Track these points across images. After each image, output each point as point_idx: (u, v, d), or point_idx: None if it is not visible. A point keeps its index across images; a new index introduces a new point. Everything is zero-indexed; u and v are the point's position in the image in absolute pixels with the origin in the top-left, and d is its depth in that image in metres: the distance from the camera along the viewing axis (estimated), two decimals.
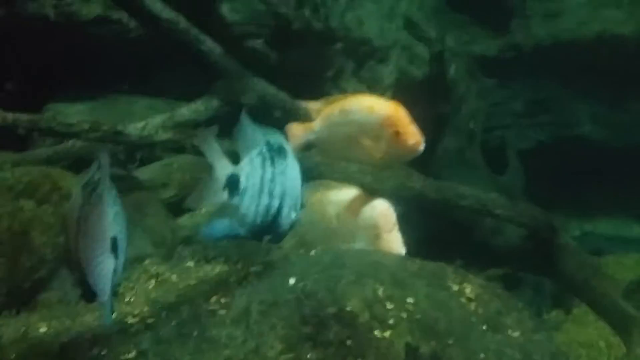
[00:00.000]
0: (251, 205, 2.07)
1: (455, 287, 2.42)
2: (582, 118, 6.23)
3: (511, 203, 3.38)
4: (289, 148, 2.23)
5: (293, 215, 2.19)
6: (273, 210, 2.11)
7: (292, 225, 2.24)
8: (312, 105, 2.93)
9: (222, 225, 2.08)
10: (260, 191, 2.09)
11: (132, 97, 4.36)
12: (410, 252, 2.84)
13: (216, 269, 2.52)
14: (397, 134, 2.58)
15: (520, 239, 3.93)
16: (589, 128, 6.22)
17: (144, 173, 3.35)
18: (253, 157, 2.10)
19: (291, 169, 2.18)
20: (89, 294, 1.69)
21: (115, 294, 1.93)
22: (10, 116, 2.64)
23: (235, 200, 2.06)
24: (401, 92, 5.90)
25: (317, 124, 2.85)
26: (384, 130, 2.60)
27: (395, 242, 2.84)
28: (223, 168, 2.06)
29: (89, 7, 4.12)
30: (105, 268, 1.64)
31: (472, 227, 4.15)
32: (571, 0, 6.21)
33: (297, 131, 2.85)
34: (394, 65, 5.88)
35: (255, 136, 2.13)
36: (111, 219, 1.75)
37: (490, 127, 6.06)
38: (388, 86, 5.80)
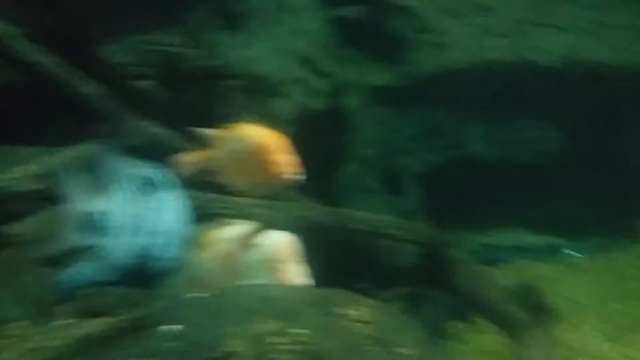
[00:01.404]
0: (118, 246, 1.98)
1: (349, 311, 2.44)
2: (473, 140, 6.60)
3: (404, 223, 3.52)
4: (164, 182, 2.16)
5: (171, 254, 2.11)
6: (142, 250, 2.03)
7: (172, 266, 2.16)
8: (208, 133, 2.94)
9: (85, 271, 1.96)
10: (128, 230, 1.99)
11: (12, 147, 4.12)
12: (317, 283, 2.86)
13: (92, 324, 2.40)
14: (272, 162, 2.64)
15: (415, 257, 4.07)
16: (480, 149, 6.60)
17: (14, 228, 3.11)
18: (118, 193, 2.03)
19: (166, 205, 2.10)
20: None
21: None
22: None
23: (99, 241, 1.95)
24: (302, 125, 6.03)
25: (209, 153, 2.86)
26: (262, 158, 2.66)
27: (298, 275, 2.85)
28: (83, 206, 1.95)
29: None
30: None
31: (371, 250, 4.26)
32: (457, 31, 6.63)
33: (189, 159, 2.84)
34: (293, 100, 6.00)
35: (120, 171, 2.04)
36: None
37: (388, 153, 6.29)
38: (288, 120, 5.90)
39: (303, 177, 2.78)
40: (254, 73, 5.27)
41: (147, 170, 2.10)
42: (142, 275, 2.06)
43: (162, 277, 2.09)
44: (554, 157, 6.69)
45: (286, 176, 2.79)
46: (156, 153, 3.33)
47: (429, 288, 4.31)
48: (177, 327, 2.07)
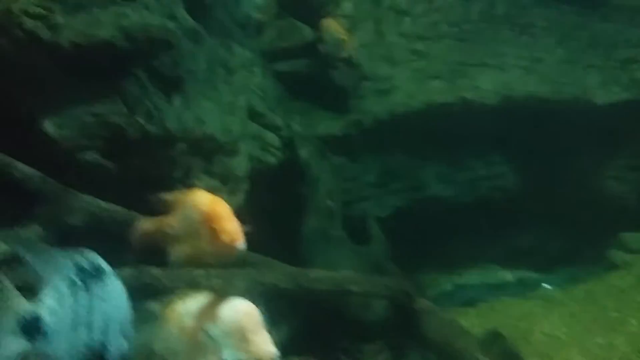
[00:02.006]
0: (64, 348, 1.69)
1: None
2: (429, 180, 6.65)
3: (364, 277, 3.41)
4: (107, 267, 1.94)
5: (123, 345, 1.89)
6: (96, 346, 1.76)
7: (126, 355, 1.93)
8: (162, 199, 2.81)
9: None
10: (75, 327, 1.72)
11: None
12: (285, 349, 2.70)
13: None
14: (214, 230, 2.53)
15: (386, 310, 3.95)
16: (437, 188, 6.64)
17: None
18: (59, 287, 1.72)
19: (113, 291, 1.88)
20: None
21: None
22: None
23: (40, 346, 1.65)
24: (257, 180, 5.93)
25: (162, 221, 2.75)
26: (203, 226, 2.55)
27: (264, 344, 2.69)
28: (15, 308, 1.64)
29: None
30: None
31: (342, 307, 4.12)
32: (398, 77, 6.78)
33: (144, 228, 2.71)
34: (245, 156, 5.90)
35: (56, 260, 1.76)
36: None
37: (348, 201, 6.25)
38: (242, 177, 5.78)
39: (244, 245, 2.70)
40: (201, 134, 5.17)
41: (89, 255, 1.87)
42: None
43: None
44: (509, 191, 6.80)
45: (229, 245, 2.73)
46: (102, 231, 3.15)
47: (403, 341, 4.17)
48: None
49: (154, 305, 2.86)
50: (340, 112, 6.58)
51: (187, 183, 5.20)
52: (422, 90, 6.64)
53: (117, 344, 1.84)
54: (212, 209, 2.81)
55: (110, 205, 3.25)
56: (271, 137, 6.36)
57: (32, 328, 1.64)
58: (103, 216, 3.13)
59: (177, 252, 2.86)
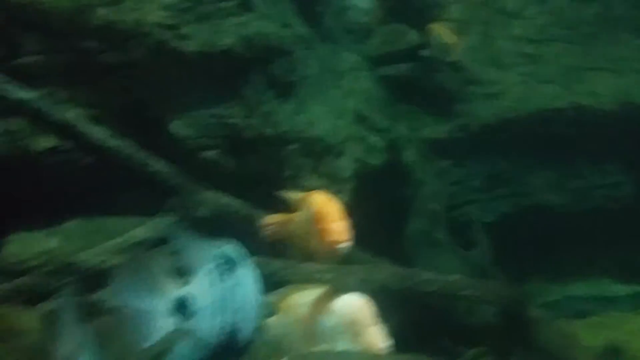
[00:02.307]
0: (205, 327, 1.95)
1: None
2: (539, 187, 6.42)
3: (476, 282, 3.39)
4: (240, 258, 2.16)
5: (252, 327, 2.09)
6: (229, 328, 2.00)
7: (254, 339, 2.14)
8: (292, 196, 3.03)
9: (178, 356, 1.92)
10: (214, 310, 1.98)
11: (90, 220, 4.34)
12: (396, 345, 2.79)
13: None
14: (321, 230, 2.66)
15: (495, 317, 3.89)
16: (547, 195, 6.40)
17: (103, 297, 3.24)
18: (202, 274, 2.00)
19: (245, 279, 2.09)
20: None
21: None
22: None
23: (188, 324, 1.93)
24: (361, 182, 6.06)
25: (286, 217, 2.96)
26: (313, 225, 2.69)
27: (378, 337, 2.79)
28: (170, 291, 1.94)
29: (39, 139, 4.19)
30: None
31: (447, 311, 4.12)
32: (507, 81, 6.62)
33: (270, 222, 2.92)
34: (351, 158, 6.06)
35: (201, 252, 2.03)
36: (72, 344, 1.71)
37: (453, 205, 6.20)
38: (348, 178, 5.94)
39: (350, 244, 2.82)
40: (312, 136, 5.39)
41: (226, 247, 2.11)
42: (230, 351, 2.03)
43: (248, 349, 2.07)
44: (625, 202, 6.41)
45: (334, 245, 2.86)
46: (227, 223, 3.41)
47: (510, 348, 4.10)
48: None
49: (271, 296, 3.07)
50: (446, 116, 6.54)
51: (297, 182, 5.45)
52: (533, 94, 6.43)
53: (248, 327, 2.03)
54: (322, 209, 2.96)
55: (233, 200, 3.50)
56: (375, 140, 6.46)
57: (182, 309, 1.88)
58: (227, 210, 3.38)
59: (295, 248, 3.05)
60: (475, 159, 6.50)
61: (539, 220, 6.26)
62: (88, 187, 4.21)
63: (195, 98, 4.60)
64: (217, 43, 4.43)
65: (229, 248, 2.08)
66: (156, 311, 1.87)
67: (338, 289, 3.01)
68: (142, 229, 3.15)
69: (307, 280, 2.96)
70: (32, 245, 3.87)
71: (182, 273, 1.98)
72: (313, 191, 3.08)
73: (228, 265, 2.03)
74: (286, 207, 3.00)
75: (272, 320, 3.02)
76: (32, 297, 2.85)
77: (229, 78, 4.64)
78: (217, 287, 1.98)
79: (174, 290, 1.94)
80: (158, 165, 3.26)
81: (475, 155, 6.48)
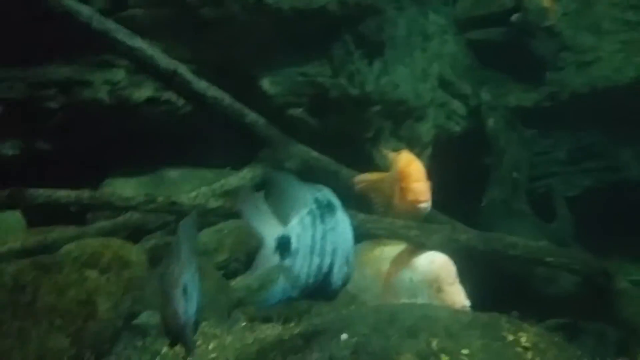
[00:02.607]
0: (303, 266, 2.02)
1: (511, 337, 2.39)
2: (628, 162, 6.12)
3: (562, 250, 3.33)
4: (337, 203, 2.18)
5: (345, 270, 2.13)
6: (325, 268, 2.06)
7: (345, 281, 2.17)
8: (384, 155, 3.14)
9: (277, 290, 2.03)
10: (312, 250, 2.04)
11: (182, 170, 4.60)
12: (474, 304, 2.84)
13: (270, 329, 2.58)
14: (403, 189, 2.71)
15: (575, 287, 3.83)
16: (636, 171, 6.09)
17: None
18: (303, 216, 2.06)
19: (341, 224, 2.12)
20: (171, 337, 1.86)
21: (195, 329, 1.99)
22: (73, 194, 2.85)
23: (288, 262, 2.01)
24: (441, 147, 6.01)
25: (377, 175, 3.06)
26: (396, 184, 2.76)
27: (458, 295, 2.85)
28: (273, 230, 2.03)
29: (140, 90, 4.45)
30: (179, 309, 1.79)
31: (525, 278, 4.08)
32: (602, 49, 6.27)
33: (363, 179, 3.04)
34: (432, 122, 6.01)
35: (302, 194, 2.10)
36: (184, 271, 1.89)
37: (535, 176, 6.04)
38: (427, 143, 5.91)
39: (429, 205, 2.87)
40: (395, 98, 5.38)
41: (324, 191, 2.19)
42: (323, 292, 2.13)
43: (338, 293, 2.17)
44: None
45: (414, 204, 2.93)
46: (314, 177, 3.52)
47: (591, 320, 4.02)
48: (347, 337, 2.17)
49: (357, 247, 3.18)
50: (535, 84, 6.31)
51: (376, 144, 5.50)
52: (631, 64, 6.06)
53: (341, 269, 2.11)
54: (405, 169, 3.03)
55: (321, 155, 3.60)
56: (458, 106, 6.36)
57: (283, 247, 2.00)
58: (316, 164, 3.48)
59: (380, 205, 3.13)
60: (562, 129, 6.27)
61: (626, 196, 5.98)
62: (183, 137, 4.45)
63: (286, 56, 4.70)
64: (313, 1, 4.47)
65: (327, 193, 2.11)
66: (261, 247, 2.00)
67: (420, 246, 3.07)
68: (236, 177, 3.31)
69: (392, 236, 3.04)
70: (132, 187, 4.16)
71: (285, 213, 2.07)
72: (400, 151, 3.14)
73: (328, 208, 2.07)
74: (368, 167, 3.08)
75: (356, 270, 3.15)
76: (135, 233, 3.10)
77: (319, 37, 4.70)
78: (316, 228, 2.02)
79: (277, 229, 2.02)
80: (253, 117, 3.40)
81: (562, 125, 6.24)
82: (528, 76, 6.37)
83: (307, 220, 2.06)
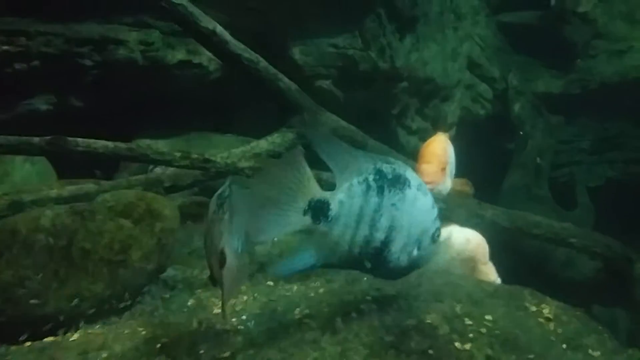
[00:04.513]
0: (345, 234, 1.89)
1: (533, 308, 2.44)
2: None
3: (586, 232, 3.34)
4: (413, 181, 1.99)
5: (413, 252, 1.96)
6: (375, 243, 1.91)
7: (414, 265, 2.01)
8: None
9: (298, 260, 1.88)
10: (358, 220, 1.90)
11: (209, 134, 4.66)
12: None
13: (295, 287, 2.64)
14: (417, 169, 2.75)
15: (593, 272, 3.84)
16: None
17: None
18: (354, 184, 1.91)
19: (412, 203, 1.94)
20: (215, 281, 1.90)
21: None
22: (111, 144, 2.92)
23: (322, 226, 1.87)
24: (464, 129, 6.01)
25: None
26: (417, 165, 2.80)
27: (491, 274, 2.90)
28: (307, 192, 1.89)
29: (173, 52, 4.49)
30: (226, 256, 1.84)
31: (543, 259, 4.10)
32: (637, 39, 6.19)
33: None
34: (458, 104, 6.00)
35: (360, 163, 1.94)
36: (228, 225, 1.90)
37: (557, 164, 6.02)
38: (451, 124, 5.91)
39: (439, 188, 2.89)
40: (423, 76, 5.38)
41: (396, 165, 1.95)
42: (378, 269, 1.92)
43: (402, 274, 1.96)
44: None
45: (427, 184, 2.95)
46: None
47: (606, 306, 4.04)
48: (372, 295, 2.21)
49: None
50: (564, 70, 6.26)
51: (401, 121, 5.51)
52: None
53: (406, 249, 1.94)
54: (421, 150, 3.08)
55: (350, 125, 3.62)
56: (484, 89, 6.33)
57: (318, 211, 1.88)
58: (344, 134, 3.51)
59: None
60: (588, 118, 6.23)
61: None
62: (212, 103, 4.50)
63: (318, 26, 4.70)
64: None
65: (391, 166, 1.93)
66: (291, 208, 1.85)
67: (445, 220, 3.11)
68: (266, 141, 3.35)
69: None
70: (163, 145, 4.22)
71: (337, 178, 1.90)
72: (437, 133, 3.21)
73: (394, 182, 1.90)
74: (391, 144, 3.06)
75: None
76: (170, 188, 3.16)
77: (353, 9, 4.69)
78: (369, 199, 1.88)
79: (314, 192, 1.87)
80: (287, 82, 3.43)
81: (589, 114, 6.21)
82: (558, 62, 6.31)
83: (358, 189, 1.92)
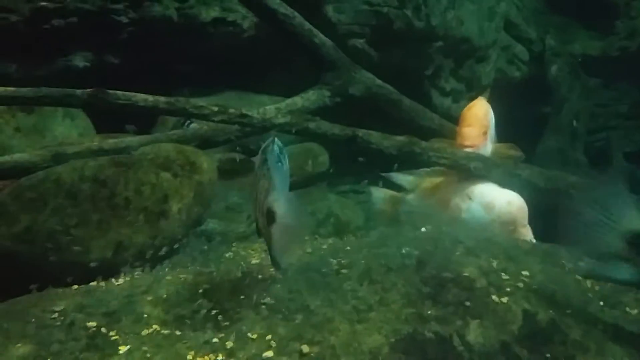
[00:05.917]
0: None
1: (570, 265, 2.43)
2: None
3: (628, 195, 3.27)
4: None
5: None
6: None
7: None
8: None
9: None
10: None
11: (243, 93, 4.67)
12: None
13: (330, 240, 2.68)
14: (457, 132, 2.78)
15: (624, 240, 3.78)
16: None
17: None
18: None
19: None
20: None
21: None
22: (151, 98, 2.95)
23: None
24: (499, 92, 5.89)
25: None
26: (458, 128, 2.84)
27: (528, 236, 2.91)
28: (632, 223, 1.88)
29: (208, 9, 4.48)
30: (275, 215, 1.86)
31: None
32: None
33: None
34: (493, 65, 5.88)
35: None
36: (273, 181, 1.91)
37: (593, 128, 5.91)
38: (486, 86, 5.80)
39: (479, 150, 2.96)
40: (459, 35, 5.26)
41: None
42: None
43: None
44: None
45: (463, 147, 3.01)
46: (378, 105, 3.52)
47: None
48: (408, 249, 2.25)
49: (413, 174, 3.24)
50: (603, 32, 6.07)
51: (434, 82, 5.42)
52: None
53: None
54: (462, 113, 3.10)
55: (385, 84, 3.59)
56: (521, 50, 6.18)
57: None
58: (379, 93, 3.49)
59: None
60: (627, 82, 6.07)
61: None
62: (247, 60, 4.49)
63: None
64: None
65: None
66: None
67: (481, 178, 3.10)
68: (301, 98, 3.36)
69: (453, 166, 3.06)
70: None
71: None
72: (479, 97, 3.22)
73: None
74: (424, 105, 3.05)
75: (411, 196, 3.22)
76: (207, 142, 3.20)
77: None
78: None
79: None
80: (322, 38, 3.40)
81: (628, 78, 6.04)
82: (596, 24, 6.12)
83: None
